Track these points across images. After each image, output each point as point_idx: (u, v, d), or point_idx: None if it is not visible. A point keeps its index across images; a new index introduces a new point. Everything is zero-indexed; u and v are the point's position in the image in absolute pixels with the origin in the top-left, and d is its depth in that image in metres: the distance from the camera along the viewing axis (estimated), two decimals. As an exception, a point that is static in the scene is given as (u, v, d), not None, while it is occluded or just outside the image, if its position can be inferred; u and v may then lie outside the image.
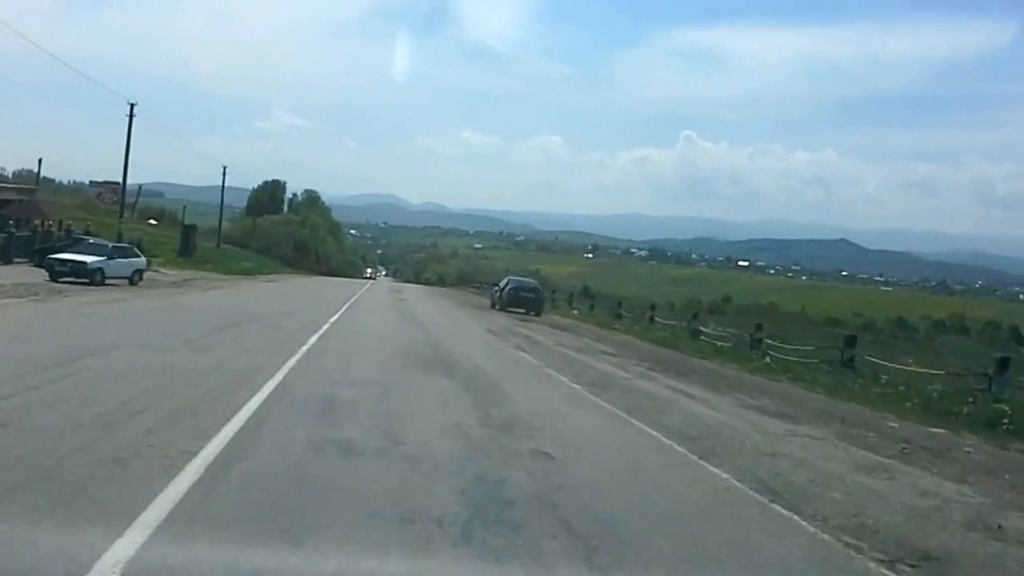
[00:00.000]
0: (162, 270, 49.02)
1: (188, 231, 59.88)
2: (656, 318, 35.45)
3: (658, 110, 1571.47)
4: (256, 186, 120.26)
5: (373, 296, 44.44)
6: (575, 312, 45.80)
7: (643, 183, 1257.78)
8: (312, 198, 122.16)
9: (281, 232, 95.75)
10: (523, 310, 38.71)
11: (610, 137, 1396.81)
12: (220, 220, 79.47)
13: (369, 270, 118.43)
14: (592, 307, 47.30)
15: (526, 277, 48.20)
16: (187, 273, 49.18)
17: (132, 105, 44.77)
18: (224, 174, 75.15)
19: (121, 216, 46.94)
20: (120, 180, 48.90)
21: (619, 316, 39.80)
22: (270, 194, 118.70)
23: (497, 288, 43.18)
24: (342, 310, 27.31)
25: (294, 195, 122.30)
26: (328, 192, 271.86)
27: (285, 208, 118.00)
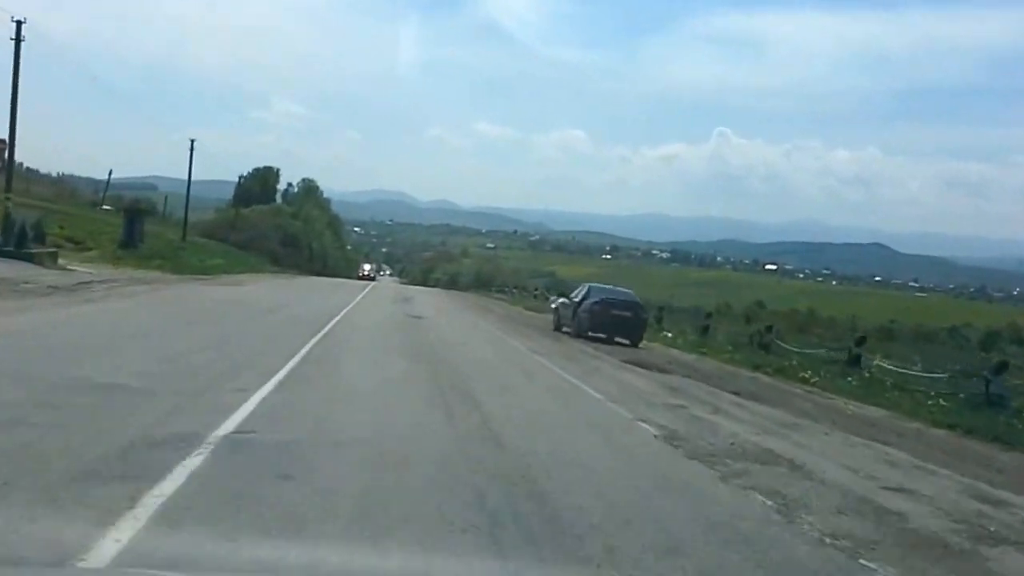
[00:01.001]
0: (77, 265, 34.85)
1: (132, 218, 45.49)
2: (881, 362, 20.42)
3: (688, 102, 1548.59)
4: (245, 174, 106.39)
5: (372, 309, 30.07)
6: (668, 335, 31.19)
7: (669, 181, 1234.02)
8: (310, 188, 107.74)
9: (269, 224, 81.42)
10: (605, 335, 24.57)
11: (635, 131, 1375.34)
12: (186, 207, 65.20)
13: (366, 267, 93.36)
14: (706, 329, 31.96)
15: (614, 285, 32.01)
16: (115, 272, 34.88)
17: (19, 23, 30.45)
18: (192, 148, 61.05)
19: (8, 188, 32.47)
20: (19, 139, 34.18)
21: (765, 347, 25.26)
22: (261, 182, 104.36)
23: (566, 301, 28.84)
24: (299, 356, 12.77)
25: (289, 185, 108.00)
26: (332, 187, 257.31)
27: (279, 200, 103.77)
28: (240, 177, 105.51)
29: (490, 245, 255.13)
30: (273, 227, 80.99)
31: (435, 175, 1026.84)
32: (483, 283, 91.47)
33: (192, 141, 60.52)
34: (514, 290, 65.22)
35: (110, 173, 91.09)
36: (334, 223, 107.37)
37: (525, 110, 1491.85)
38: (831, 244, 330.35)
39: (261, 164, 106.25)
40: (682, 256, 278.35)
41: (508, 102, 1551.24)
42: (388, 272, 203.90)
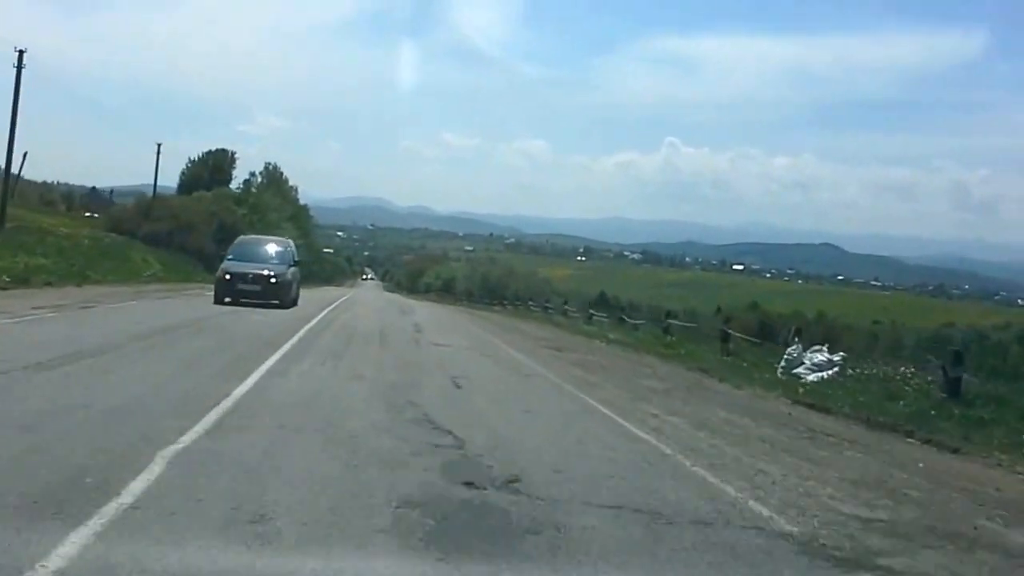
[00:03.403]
0: None
1: None
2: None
3: (640, 114, 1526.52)
4: (194, 157, 74.72)
5: None
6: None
7: (627, 187, 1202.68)
8: (273, 175, 76.17)
9: (203, 212, 50.29)
10: None
11: (593, 141, 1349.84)
12: (5, 181, 34.13)
13: (272, 250, 23.44)
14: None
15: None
16: None
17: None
18: (16, 91, 29.71)
19: None
20: None
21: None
22: (212, 167, 72.61)
23: None
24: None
25: (252, 175, 75.94)
26: (314, 194, 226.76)
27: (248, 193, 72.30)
28: (189, 161, 74.05)
29: (468, 248, 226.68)
30: (207, 216, 49.81)
31: (412, 182, 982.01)
32: (491, 291, 61.59)
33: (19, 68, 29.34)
34: (568, 310, 34.37)
35: (25, 155, 59.41)
36: (300, 216, 75.32)
37: (490, 122, 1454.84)
38: (784, 245, 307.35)
39: (247, 173, 74.53)
40: (652, 257, 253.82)
41: (475, 115, 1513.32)
42: (370, 276, 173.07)
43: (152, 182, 59.51)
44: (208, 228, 48.56)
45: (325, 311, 22.84)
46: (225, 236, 51.18)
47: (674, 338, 22.65)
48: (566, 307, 34.67)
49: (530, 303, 42.47)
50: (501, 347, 16.24)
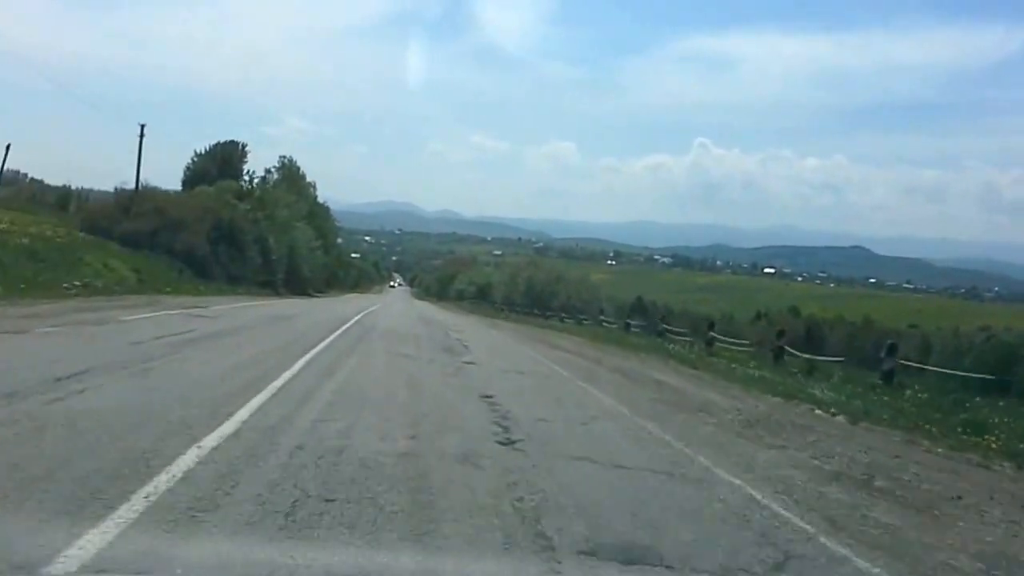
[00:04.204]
0: None
1: None
2: None
3: (670, 116, 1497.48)
4: (201, 150, 65.15)
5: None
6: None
7: (656, 189, 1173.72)
8: (289, 170, 66.43)
9: (197, 208, 40.46)
10: None
11: (622, 143, 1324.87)
12: None
13: None
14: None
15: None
16: None
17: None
18: None
19: None
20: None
21: None
22: (221, 161, 63.10)
23: None
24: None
25: (268, 171, 66.42)
26: (341, 199, 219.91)
27: (254, 187, 62.51)
28: (195, 154, 64.47)
29: (497, 252, 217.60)
30: (201, 213, 39.92)
31: (439, 186, 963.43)
32: (536, 299, 51.35)
33: None
34: (666, 329, 23.81)
35: (8, 147, 50.03)
36: (319, 215, 65.23)
37: (518, 125, 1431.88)
38: (814, 247, 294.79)
39: (263, 171, 64.74)
40: (683, 261, 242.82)
41: (503, 118, 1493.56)
42: (399, 282, 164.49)
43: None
44: (202, 227, 38.66)
45: (324, 343, 12.79)
46: (222, 235, 41.61)
47: (916, 393, 12.39)
48: (665, 326, 24.18)
49: (602, 318, 31.98)
50: (721, 478, 5.80)
